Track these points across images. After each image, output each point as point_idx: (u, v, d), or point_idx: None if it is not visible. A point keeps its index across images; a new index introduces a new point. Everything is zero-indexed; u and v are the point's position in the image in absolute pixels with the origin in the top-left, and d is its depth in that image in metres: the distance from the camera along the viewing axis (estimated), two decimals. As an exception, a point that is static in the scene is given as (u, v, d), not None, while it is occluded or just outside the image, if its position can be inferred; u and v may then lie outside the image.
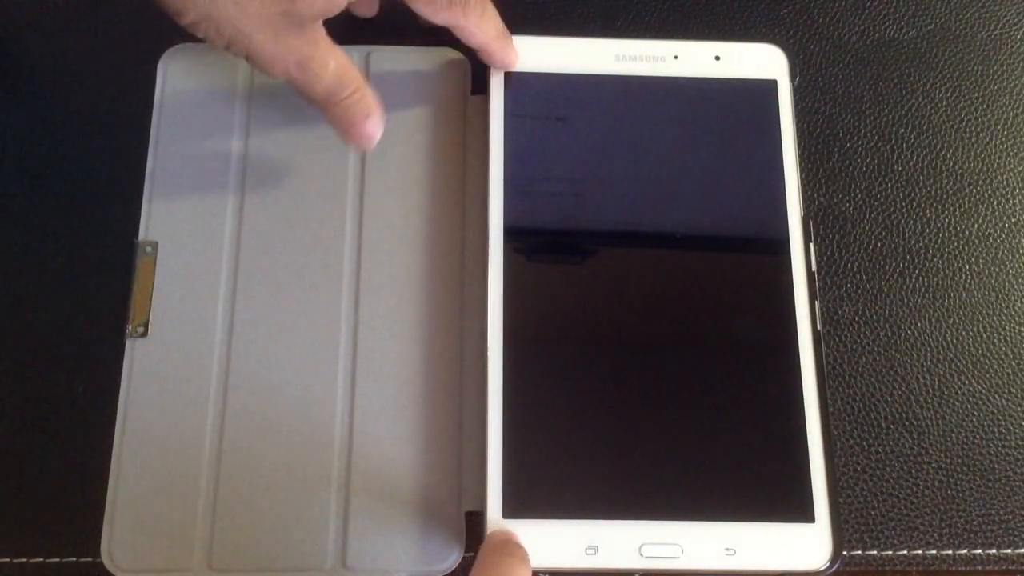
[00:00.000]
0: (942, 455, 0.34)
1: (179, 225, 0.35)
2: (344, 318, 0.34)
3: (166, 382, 0.33)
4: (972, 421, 0.34)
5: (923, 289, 0.36)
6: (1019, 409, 0.35)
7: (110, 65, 0.38)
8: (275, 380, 0.33)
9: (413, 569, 0.31)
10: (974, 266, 0.36)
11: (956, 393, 0.35)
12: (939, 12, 0.40)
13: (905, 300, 0.36)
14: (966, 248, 0.37)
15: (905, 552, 0.33)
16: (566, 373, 0.32)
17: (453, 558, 0.32)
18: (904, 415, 0.35)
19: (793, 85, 0.36)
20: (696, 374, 0.32)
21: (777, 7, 0.40)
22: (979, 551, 0.33)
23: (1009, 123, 0.38)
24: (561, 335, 0.33)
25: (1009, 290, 0.36)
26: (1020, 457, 0.34)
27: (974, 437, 0.34)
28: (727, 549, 0.30)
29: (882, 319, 0.36)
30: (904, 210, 0.37)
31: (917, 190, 0.37)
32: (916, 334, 0.35)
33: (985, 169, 0.38)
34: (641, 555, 0.30)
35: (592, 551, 0.30)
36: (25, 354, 0.34)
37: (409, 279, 0.34)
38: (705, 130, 0.35)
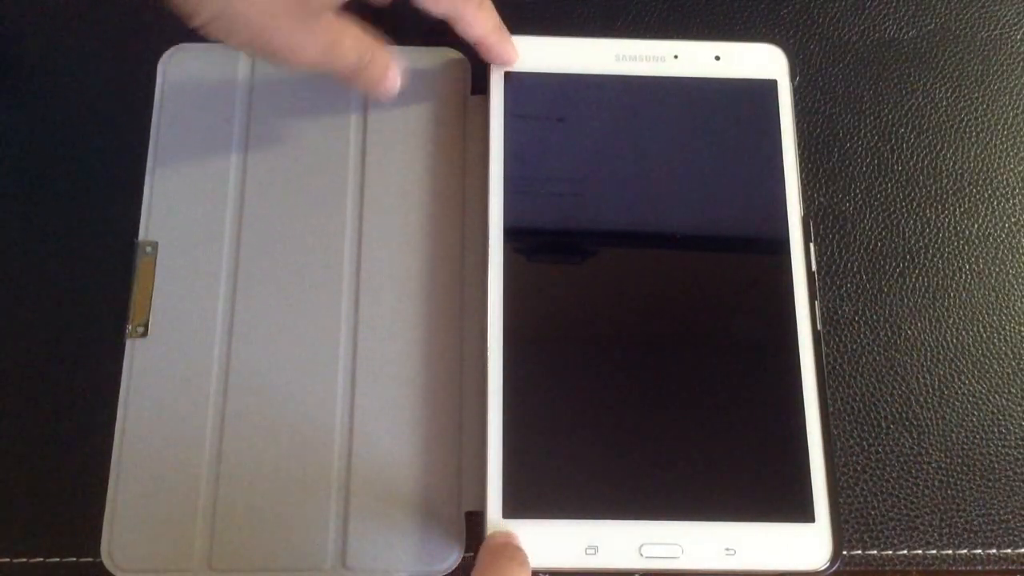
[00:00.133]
0: (942, 455, 0.34)
1: (179, 225, 0.35)
2: (344, 318, 0.34)
3: (166, 382, 0.33)
4: (972, 421, 0.35)
5: (923, 289, 0.36)
6: (1019, 409, 0.35)
7: (110, 65, 0.38)
8: (275, 380, 0.33)
9: (413, 569, 0.31)
10: (974, 266, 0.36)
11: (956, 393, 0.35)
12: (939, 12, 0.40)
13: (905, 300, 0.36)
14: (966, 248, 0.37)
15: (905, 552, 0.33)
16: (566, 373, 0.32)
17: (453, 558, 0.32)
18: (904, 415, 0.35)
19: (793, 85, 0.36)
20: (696, 374, 0.32)
21: (777, 7, 0.40)
22: (979, 551, 0.33)
23: (1009, 123, 0.38)
24: (561, 335, 0.33)
25: (1009, 290, 0.36)
26: (1020, 457, 0.34)
27: (974, 437, 0.34)
28: (727, 549, 0.30)
29: (882, 319, 0.36)
30: (904, 210, 0.37)
31: (917, 190, 0.37)
32: (916, 334, 0.35)
33: (985, 169, 0.38)
34: (641, 555, 0.30)
35: (592, 551, 0.30)
36: (25, 354, 0.34)
37: (409, 279, 0.34)
38: (705, 130, 0.35)
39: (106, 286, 0.35)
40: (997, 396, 0.35)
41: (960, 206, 0.37)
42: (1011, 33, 0.40)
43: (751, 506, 0.31)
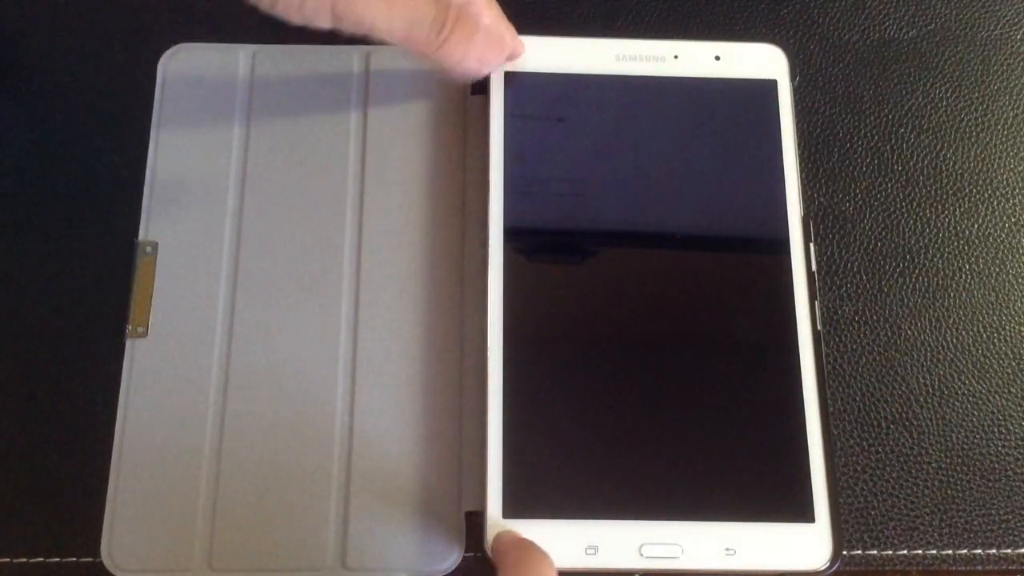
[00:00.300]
0: (942, 455, 0.34)
1: (179, 225, 0.35)
2: (344, 318, 0.34)
3: (166, 382, 0.33)
4: (972, 421, 0.34)
5: (923, 289, 0.36)
6: (1019, 409, 0.35)
7: (110, 65, 0.38)
8: (275, 380, 0.33)
9: (413, 569, 0.31)
10: (974, 266, 0.36)
11: (956, 393, 0.35)
12: (939, 12, 0.40)
13: (905, 300, 0.36)
14: (966, 248, 0.37)
15: (905, 552, 0.33)
16: (566, 373, 0.32)
17: (453, 558, 0.32)
18: (904, 415, 0.35)
19: (793, 85, 0.36)
20: (696, 374, 0.32)
21: (777, 7, 0.40)
22: (979, 551, 0.33)
23: (1009, 123, 0.38)
24: (561, 335, 0.33)
25: (1009, 290, 0.36)
26: (1020, 457, 0.34)
27: (974, 437, 0.34)
28: (727, 549, 0.30)
29: (882, 319, 0.36)
30: (904, 210, 0.37)
31: (917, 190, 0.37)
32: (916, 334, 0.35)
33: (985, 169, 0.38)
34: (641, 555, 0.30)
35: (592, 551, 0.30)
36: (25, 354, 0.34)
37: (409, 279, 0.34)
38: (705, 130, 0.35)
39: (106, 286, 0.35)
40: (997, 396, 0.35)
41: (960, 206, 0.37)
42: (1011, 33, 0.40)
43: (751, 506, 0.31)
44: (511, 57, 0.35)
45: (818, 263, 0.36)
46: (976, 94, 0.39)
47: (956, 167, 0.38)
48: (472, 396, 0.33)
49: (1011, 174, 0.38)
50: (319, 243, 0.35)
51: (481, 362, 0.32)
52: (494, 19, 0.33)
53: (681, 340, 0.33)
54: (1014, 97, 0.39)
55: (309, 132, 0.36)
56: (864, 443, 0.34)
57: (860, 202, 0.37)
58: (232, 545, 0.31)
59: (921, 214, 0.37)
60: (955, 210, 0.37)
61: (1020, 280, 0.36)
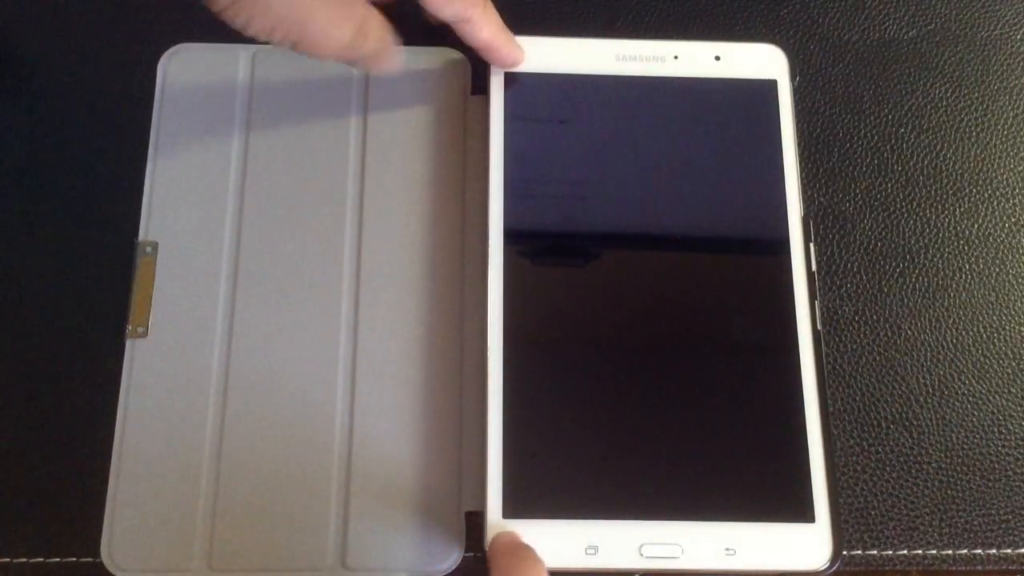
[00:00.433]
0: (942, 455, 0.34)
1: (179, 225, 0.35)
2: (344, 318, 0.34)
3: (166, 382, 0.33)
4: (972, 421, 0.34)
5: (923, 289, 0.36)
6: (1019, 409, 0.35)
7: (110, 65, 0.38)
8: (275, 380, 0.33)
9: (413, 569, 0.31)
10: (974, 266, 0.36)
11: (956, 393, 0.35)
12: (939, 12, 0.40)
13: (905, 300, 0.36)
14: (966, 248, 0.37)
15: (905, 552, 0.33)
16: (566, 373, 0.32)
17: (453, 558, 0.32)
18: (904, 415, 0.35)
19: (793, 85, 0.36)
20: (696, 374, 0.32)
21: (777, 7, 0.40)
22: (979, 551, 0.33)
23: (1009, 123, 0.38)
24: (561, 335, 0.33)
25: (1009, 290, 0.36)
26: (1020, 457, 0.34)
27: (974, 437, 0.34)
28: (727, 549, 0.30)
29: (882, 319, 0.36)
30: (904, 210, 0.37)
31: (917, 190, 0.37)
32: (916, 334, 0.35)
33: (985, 169, 0.38)
34: (641, 555, 0.30)
35: (592, 551, 0.30)
36: (25, 354, 0.34)
37: (409, 279, 0.34)
38: (705, 130, 0.35)
39: (106, 286, 0.35)
40: (997, 396, 0.35)
41: (960, 206, 0.37)
42: (1011, 33, 0.40)
43: (751, 506, 0.31)
44: (511, 65, 0.35)
45: (818, 263, 0.36)
46: (976, 94, 0.39)
47: (956, 167, 0.38)
48: (472, 396, 0.33)
49: (1011, 174, 0.38)
50: (319, 243, 0.35)
51: (481, 362, 0.32)
52: (492, 33, 0.33)
53: (681, 340, 0.33)
54: (1014, 97, 0.39)
55: (309, 133, 0.36)
56: (864, 443, 0.34)
57: (860, 202, 0.37)
58: (232, 545, 0.31)
59: (921, 214, 0.37)
60: (955, 210, 0.37)
61: (1020, 280, 0.36)
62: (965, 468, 0.34)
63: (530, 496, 0.31)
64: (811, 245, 0.34)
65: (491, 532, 0.30)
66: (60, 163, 0.37)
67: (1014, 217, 0.37)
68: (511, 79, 0.35)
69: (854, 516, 0.33)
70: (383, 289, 0.34)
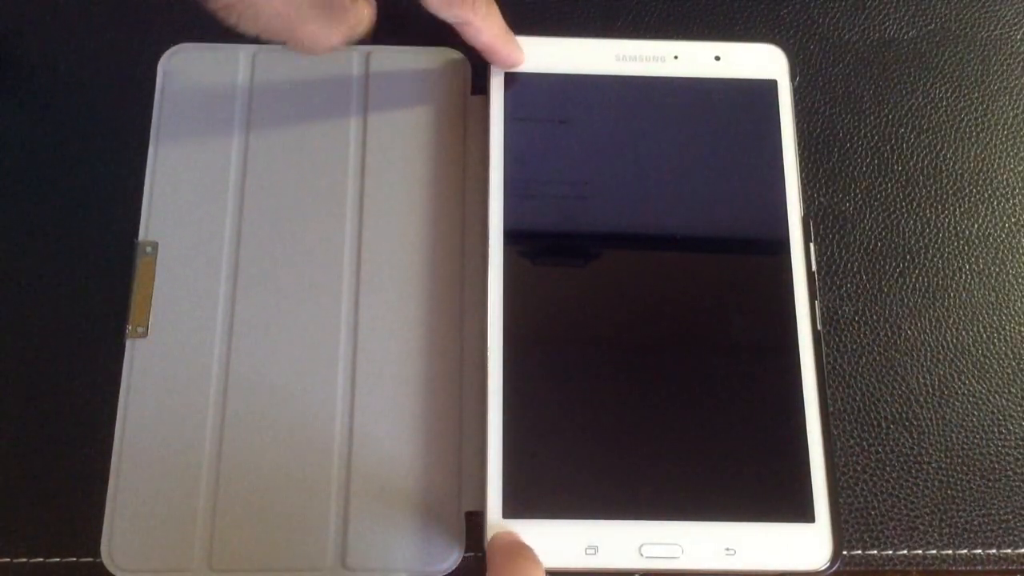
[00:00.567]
0: (942, 455, 0.34)
1: (179, 225, 0.35)
2: (344, 318, 0.34)
3: (166, 382, 0.33)
4: (972, 421, 0.34)
5: (923, 289, 0.36)
6: (1019, 409, 0.35)
7: (110, 65, 0.38)
8: (275, 380, 0.33)
9: (413, 569, 0.31)
10: (974, 266, 0.36)
11: (956, 393, 0.35)
12: (939, 12, 0.40)
13: (905, 300, 0.36)
14: (966, 248, 0.37)
15: (905, 552, 0.33)
16: (566, 373, 0.32)
17: (453, 558, 0.32)
18: (904, 415, 0.35)
19: (793, 85, 0.36)
20: (696, 374, 0.32)
21: (777, 7, 0.40)
22: (979, 551, 0.33)
23: (1009, 123, 0.38)
24: (560, 335, 0.33)
25: (1009, 290, 0.36)
26: (1020, 457, 0.34)
27: (974, 437, 0.34)
28: (727, 549, 0.30)
29: (882, 319, 0.36)
30: (904, 210, 0.37)
31: (917, 190, 0.37)
32: (916, 334, 0.35)
33: (985, 169, 0.38)
34: (641, 555, 0.30)
35: (592, 551, 0.30)
36: (25, 354, 0.34)
37: (409, 279, 0.34)
38: (705, 131, 0.35)
39: (106, 286, 0.35)
40: (997, 396, 0.35)
41: (960, 206, 0.37)
42: (1011, 33, 0.40)
43: (751, 506, 0.31)
44: (511, 66, 0.35)
45: (818, 263, 0.36)
46: (976, 94, 0.39)
47: (956, 167, 0.38)
48: (472, 396, 0.33)
49: (1011, 174, 0.38)
50: (319, 243, 0.35)
51: (481, 362, 0.32)
52: (493, 36, 0.33)
53: (681, 340, 0.33)
54: (1014, 97, 0.39)
55: (309, 133, 0.36)
56: (864, 443, 0.34)
57: (860, 202, 0.37)
58: (232, 545, 0.31)
59: (921, 214, 0.37)
60: (955, 210, 0.37)
61: (1020, 280, 0.36)
62: (965, 468, 0.34)
63: (530, 496, 0.31)
64: (811, 245, 0.34)
65: (491, 532, 0.30)
66: (60, 163, 0.37)
67: (1014, 217, 0.37)
68: (511, 79, 0.35)
69: (854, 516, 0.33)
70: (383, 289, 0.34)
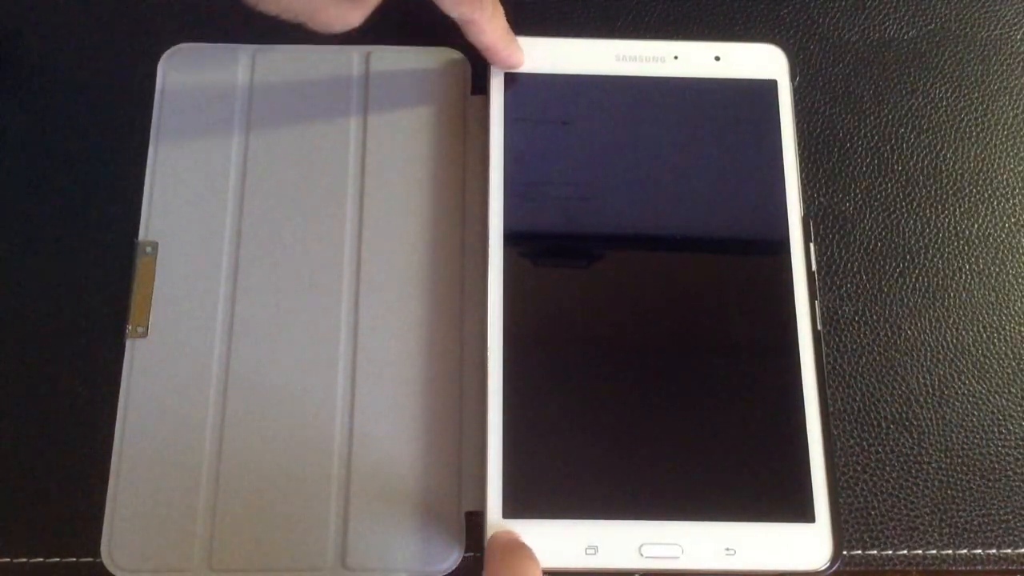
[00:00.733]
0: (942, 455, 0.34)
1: (179, 225, 0.35)
2: (344, 318, 0.34)
3: (166, 382, 0.33)
4: (972, 421, 0.34)
5: (923, 289, 0.36)
6: (1019, 409, 0.35)
7: (110, 65, 0.38)
8: (275, 380, 0.33)
9: (413, 569, 0.31)
10: (974, 266, 0.36)
11: (956, 393, 0.35)
12: (939, 12, 0.40)
13: (905, 300, 0.36)
14: (966, 248, 0.37)
15: (905, 552, 0.33)
16: (565, 373, 0.32)
17: (453, 558, 0.32)
18: (904, 415, 0.35)
19: (793, 85, 0.36)
20: (696, 374, 0.32)
21: (777, 7, 0.40)
22: (979, 551, 0.33)
23: (1009, 123, 0.38)
24: (560, 335, 0.33)
25: (1009, 290, 0.36)
26: (1020, 457, 0.34)
27: (974, 437, 0.34)
28: (727, 549, 0.30)
29: (882, 319, 0.36)
30: (904, 210, 0.37)
31: (917, 190, 0.37)
32: (916, 334, 0.35)
33: (985, 169, 0.38)
34: (641, 555, 0.30)
35: (592, 551, 0.30)
36: (25, 354, 0.34)
37: (409, 279, 0.34)
38: (705, 131, 0.35)
39: (106, 286, 0.35)
40: (997, 396, 0.35)
41: (960, 206, 0.37)
42: (1011, 33, 0.40)
43: (751, 506, 0.31)
44: (511, 67, 0.35)
45: (818, 263, 0.36)
46: (976, 94, 0.39)
47: (956, 167, 0.38)
48: (472, 396, 0.33)
49: (1011, 174, 0.38)
50: (319, 243, 0.35)
51: (481, 362, 0.32)
52: (496, 36, 0.33)
53: (681, 340, 0.33)
54: (1014, 97, 0.39)
55: (309, 133, 0.36)
56: (864, 443, 0.34)
57: (860, 202, 0.37)
58: (232, 545, 0.31)
59: (921, 214, 0.37)
60: (955, 210, 0.37)
61: (1020, 280, 0.36)
62: (965, 468, 0.34)
63: (530, 496, 0.31)
64: (811, 245, 0.34)
65: (491, 532, 0.30)
66: (60, 163, 0.37)
67: (1014, 217, 0.37)
68: (511, 79, 0.35)
69: (854, 516, 0.33)
70: (383, 289, 0.34)
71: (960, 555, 0.33)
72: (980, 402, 0.35)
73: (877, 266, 0.36)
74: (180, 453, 0.32)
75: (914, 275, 0.36)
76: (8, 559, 0.32)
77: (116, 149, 0.37)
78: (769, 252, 0.34)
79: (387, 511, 0.32)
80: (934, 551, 0.33)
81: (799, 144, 0.36)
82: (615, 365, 0.32)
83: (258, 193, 0.35)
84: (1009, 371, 0.35)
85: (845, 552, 0.32)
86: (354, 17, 0.30)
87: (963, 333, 0.36)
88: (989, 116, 0.38)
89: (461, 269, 0.35)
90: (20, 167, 0.37)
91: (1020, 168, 0.38)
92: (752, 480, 0.31)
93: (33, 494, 0.33)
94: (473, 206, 0.35)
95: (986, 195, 0.37)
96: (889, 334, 0.35)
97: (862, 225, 0.37)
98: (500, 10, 0.33)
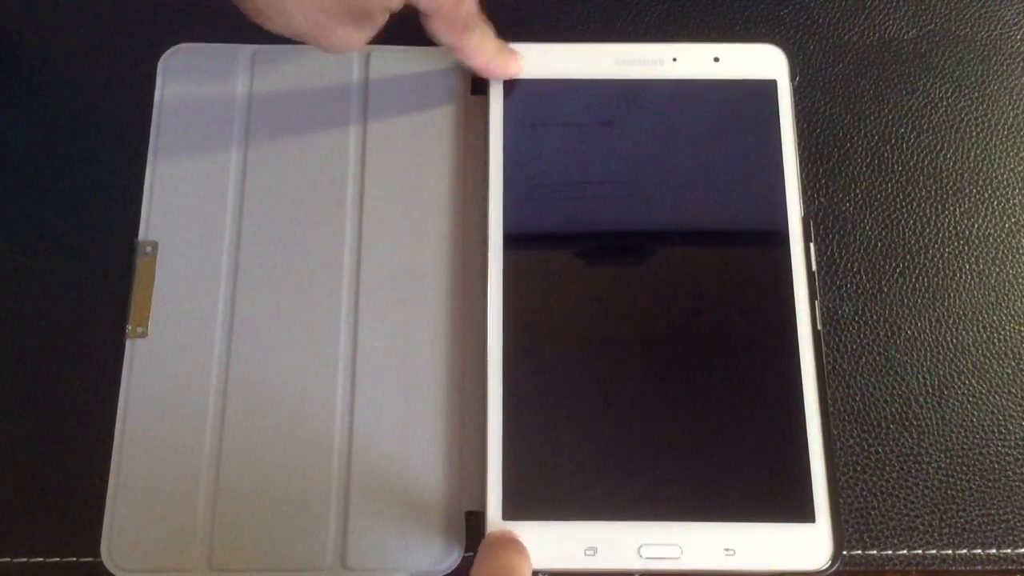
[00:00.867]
0: (942, 455, 0.34)
1: (179, 225, 0.35)
2: (344, 318, 0.34)
3: (166, 382, 0.33)
4: (972, 421, 0.34)
5: (923, 289, 0.36)
6: (1019, 409, 0.35)
7: (110, 65, 0.38)
8: (275, 380, 0.33)
9: (413, 569, 0.31)
10: (974, 266, 0.36)
11: (956, 393, 0.35)
12: (939, 12, 0.40)
13: (905, 300, 0.36)
14: (966, 248, 0.37)
15: (905, 552, 0.33)
16: (565, 374, 0.32)
17: (453, 558, 0.32)
18: (904, 415, 0.35)
19: (793, 85, 0.36)
20: (696, 374, 0.32)
21: (777, 7, 0.40)
22: (979, 551, 0.33)
23: (1009, 123, 0.38)
24: (560, 335, 0.33)
25: (1009, 290, 0.36)
26: (1020, 457, 0.34)
27: (974, 437, 0.34)
28: (727, 549, 0.30)
29: (882, 319, 0.36)
30: (904, 210, 0.37)
31: (917, 190, 0.37)
32: (916, 334, 0.35)
33: (985, 169, 0.38)
34: (640, 556, 0.30)
35: (591, 552, 0.30)
36: (25, 354, 0.34)
37: (409, 279, 0.34)
38: (705, 131, 0.35)
39: (106, 286, 0.35)
40: (997, 396, 0.35)
41: (960, 206, 0.37)
42: (1011, 33, 0.40)
43: (751, 506, 0.31)
44: (508, 78, 0.35)
45: (818, 263, 0.36)
46: (976, 94, 0.39)
47: (956, 167, 0.38)
48: (472, 396, 0.33)
49: (1011, 174, 0.38)
50: (319, 243, 0.35)
51: (481, 362, 0.32)
52: (487, 59, 0.34)
53: (681, 340, 0.33)
54: (1014, 97, 0.39)
55: (309, 133, 0.36)
56: (864, 443, 0.34)
57: (860, 202, 0.37)
58: (232, 545, 0.31)
59: (921, 214, 0.37)
60: (955, 210, 0.37)
61: (1020, 280, 0.36)
62: (965, 468, 0.34)
63: (530, 497, 0.31)
64: (811, 245, 0.34)
65: (490, 532, 0.30)
66: (60, 163, 0.37)
67: (1014, 217, 0.37)
68: (510, 86, 0.35)
69: (854, 516, 0.33)
70: (383, 289, 0.34)
71: (960, 555, 0.33)
72: (980, 402, 0.35)
73: (877, 266, 0.36)
74: (180, 453, 0.32)
75: (914, 275, 0.36)
76: (8, 559, 0.32)
77: (116, 149, 0.37)
78: (769, 252, 0.34)
79: (387, 511, 0.32)
80: (934, 551, 0.33)
81: (799, 144, 0.36)
82: (615, 366, 0.32)
83: (258, 193, 0.35)
84: (1009, 371, 0.35)
85: (845, 552, 0.32)
86: (358, 40, 0.30)
87: (963, 333, 0.36)
88: (989, 116, 0.38)
89: (461, 269, 0.35)
90: (20, 167, 0.37)
91: (1020, 168, 0.38)
92: (752, 480, 0.31)
93: (33, 494, 0.33)
94: (473, 207, 0.35)
95: (986, 195, 0.37)
96: (889, 334, 0.35)
97: (862, 225, 0.37)
98: (487, 31, 0.33)
